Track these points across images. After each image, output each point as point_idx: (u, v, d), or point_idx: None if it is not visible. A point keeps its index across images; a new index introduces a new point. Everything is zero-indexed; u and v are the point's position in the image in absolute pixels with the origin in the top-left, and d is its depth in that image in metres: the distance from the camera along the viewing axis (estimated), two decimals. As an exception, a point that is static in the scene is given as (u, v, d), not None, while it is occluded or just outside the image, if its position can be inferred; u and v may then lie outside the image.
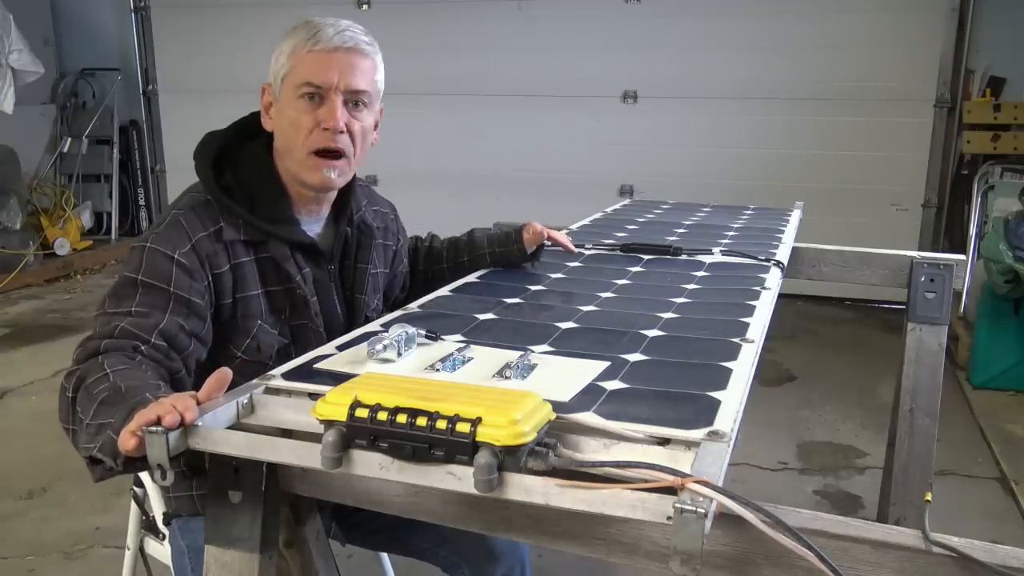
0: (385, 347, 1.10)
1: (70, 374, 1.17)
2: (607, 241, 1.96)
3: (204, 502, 1.08)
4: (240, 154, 1.40)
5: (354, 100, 1.35)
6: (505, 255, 1.70)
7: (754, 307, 1.41)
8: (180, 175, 6.36)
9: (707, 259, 1.81)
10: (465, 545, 1.51)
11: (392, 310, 1.70)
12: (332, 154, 1.34)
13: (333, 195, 1.45)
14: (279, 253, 1.36)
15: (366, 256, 1.50)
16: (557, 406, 0.92)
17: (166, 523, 1.49)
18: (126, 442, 0.94)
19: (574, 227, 2.18)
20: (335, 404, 0.86)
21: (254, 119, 1.43)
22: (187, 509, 1.44)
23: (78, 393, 1.12)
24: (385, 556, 1.91)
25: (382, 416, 0.84)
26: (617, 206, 2.61)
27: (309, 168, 1.34)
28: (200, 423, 0.92)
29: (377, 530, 1.55)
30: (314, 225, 1.45)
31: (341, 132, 1.33)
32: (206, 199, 1.34)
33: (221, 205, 1.33)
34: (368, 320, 1.50)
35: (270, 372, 1.07)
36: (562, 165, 5.46)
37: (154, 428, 0.89)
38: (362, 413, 0.84)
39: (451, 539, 1.50)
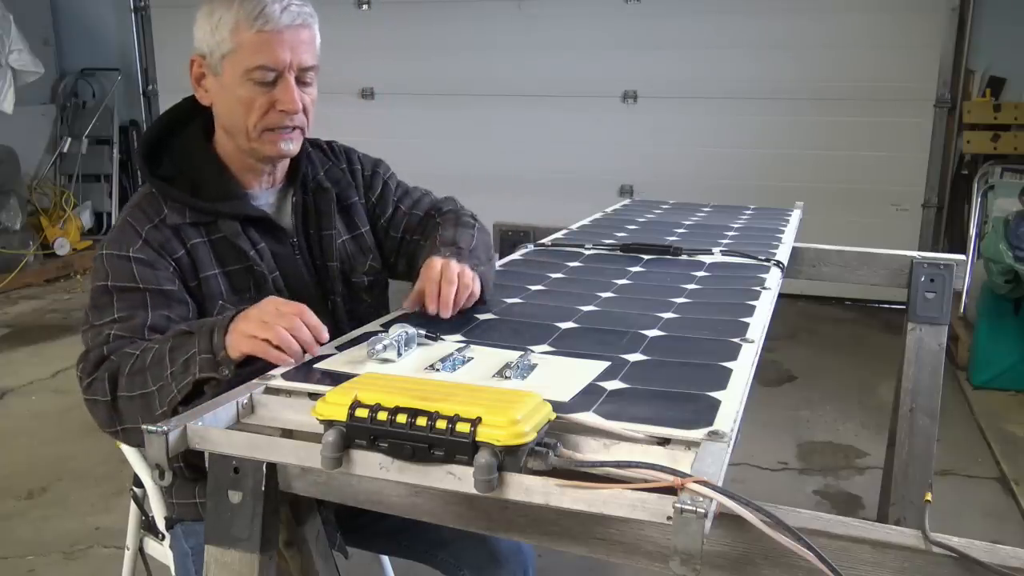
0: (385, 347, 1.10)
1: (90, 385, 1.20)
2: (607, 241, 1.96)
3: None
4: (174, 141, 1.40)
5: (304, 76, 1.33)
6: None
7: (754, 307, 1.41)
8: (180, 175, 6.34)
9: (707, 259, 1.80)
10: (466, 549, 1.50)
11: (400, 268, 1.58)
12: (288, 128, 1.34)
13: (286, 164, 1.44)
14: (229, 230, 1.35)
15: (329, 222, 1.46)
16: (557, 406, 0.92)
17: (169, 528, 1.48)
18: (240, 344, 1.07)
19: (574, 227, 2.18)
20: (335, 404, 0.86)
21: (186, 105, 1.42)
22: (191, 515, 1.43)
23: (117, 390, 1.17)
24: (385, 557, 1.91)
25: (382, 416, 0.84)
26: (617, 206, 2.61)
27: (264, 142, 1.33)
28: (200, 423, 0.92)
29: (379, 533, 1.54)
30: (267, 197, 1.43)
31: (299, 111, 1.33)
32: (150, 191, 1.35)
33: (161, 192, 1.34)
34: (356, 286, 1.49)
35: (270, 372, 1.07)
36: (562, 165, 5.46)
37: (154, 428, 0.89)
38: (362, 413, 0.84)
39: (451, 542, 1.49)
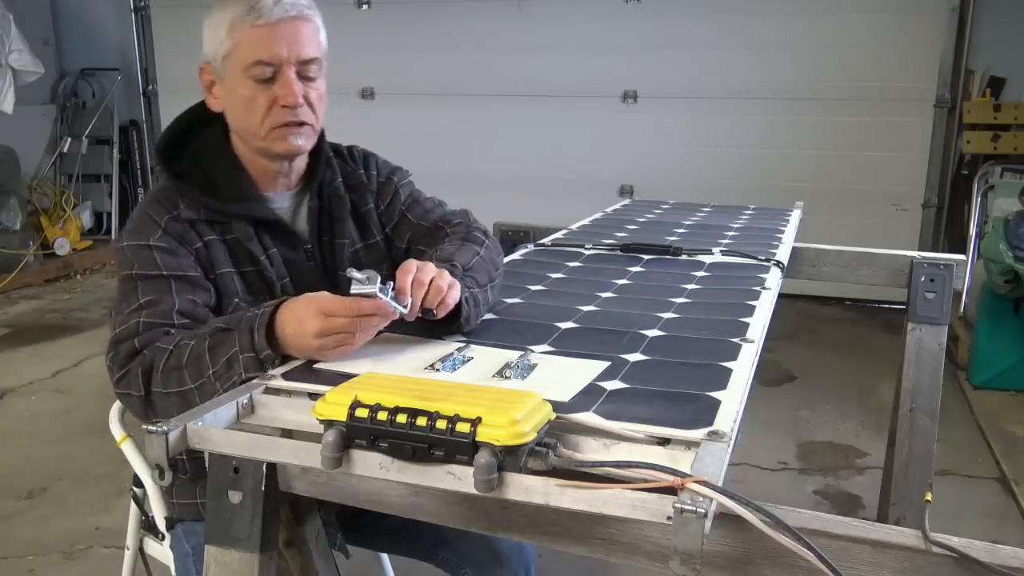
0: (363, 282, 1.07)
1: (122, 379, 1.20)
2: (607, 241, 1.96)
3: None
4: (194, 139, 1.39)
5: (306, 69, 1.31)
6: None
7: (754, 307, 1.41)
8: (180, 175, 6.36)
9: (707, 259, 1.81)
10: (468, 547, 1.50)
11: None
12: (295, 124, 1.32)
13: (302, 166, 1.42)
14: (242, 233, 1.34)
15: (343, 230, 1.44)
16: (557, 406, 0.92)
17: (170, 527, 1.48)
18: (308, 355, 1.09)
19: (574, 227, 2.18)
20: (335, 404, 0.86)
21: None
22: (192, 515, 1.43)
23: (151, 386, 1.17)
24: (385, 557, 1.91)
25: (382, 416, 0.84)
26: (617, 206, 2.61)
27: (274, 139, 1.31)
28: (200, 423, 0.92)
29: (380, 532, 1.54)
30: (283, 201, 1.41)
31: (301, 105, 1.30)
32: (167, 185, 1.35)
33: (177, 188, 1.33)
34: None
35: (270, 372, 1.07)
36: (562, 165, 5.46)
37: (154, 428, 0.89)
38: (362, 413, 0.84)
39: (453, 541, 1.49)
